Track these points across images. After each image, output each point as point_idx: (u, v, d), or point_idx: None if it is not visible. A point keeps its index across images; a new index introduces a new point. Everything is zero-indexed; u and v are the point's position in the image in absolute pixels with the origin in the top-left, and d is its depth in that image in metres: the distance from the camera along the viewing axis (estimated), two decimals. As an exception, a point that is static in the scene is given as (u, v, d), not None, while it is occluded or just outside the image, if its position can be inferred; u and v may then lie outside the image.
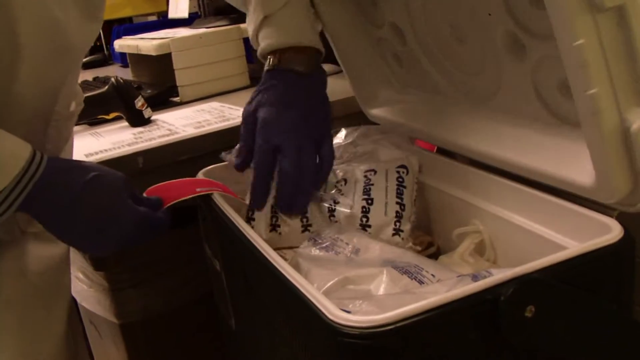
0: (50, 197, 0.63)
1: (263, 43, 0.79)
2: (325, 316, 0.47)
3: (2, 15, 0.61)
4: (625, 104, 0.51)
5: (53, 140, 0.75)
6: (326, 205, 0.77)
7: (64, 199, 0.64)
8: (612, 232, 0.55)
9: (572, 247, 0.56)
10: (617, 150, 0.52)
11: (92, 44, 0.77)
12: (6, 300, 0.74)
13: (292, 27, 0.79)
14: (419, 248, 0.77)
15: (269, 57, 0.79)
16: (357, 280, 0.62)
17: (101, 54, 2.21)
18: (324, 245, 0.69)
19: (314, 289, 0.51)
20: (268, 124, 0.74)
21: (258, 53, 0.81)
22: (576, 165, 0.59)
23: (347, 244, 0.69)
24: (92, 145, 1.06)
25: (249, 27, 0.82)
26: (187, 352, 1.13)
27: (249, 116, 0.77)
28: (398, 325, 0.45)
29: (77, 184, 0.64)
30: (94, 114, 1.19)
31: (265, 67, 0.79)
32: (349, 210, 0.76)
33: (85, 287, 1.12)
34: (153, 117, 1.19)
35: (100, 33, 0.77)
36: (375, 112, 0.92)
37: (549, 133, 0.65)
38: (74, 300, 0.94)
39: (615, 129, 0.51)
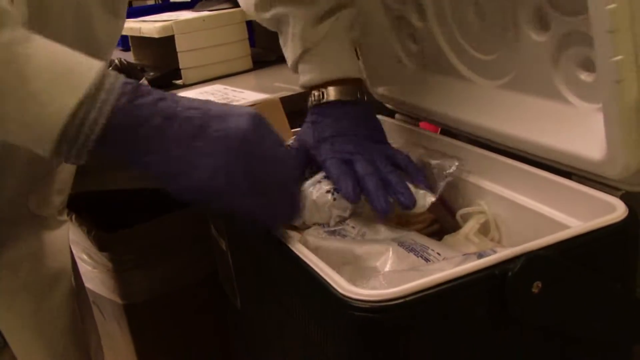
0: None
1: (305, 77, 0.78)
2: (337, 291, 0.48)
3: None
4: (646, 75, 0.52)
5: None
6: None
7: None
8: (616, 211, 0.56)
9: (577, 226, 0.57)
10: (633, 122, 0.53)
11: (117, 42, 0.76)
12: (24, 284, 0.75)
13: (333, 61, 0.77)
14: (420, 226, 0.78)
15: (312, 91, 0.78)
16: (363, 258, 0.62)
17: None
18: (332, 229, 0.70)
19: (325, 265, 0.52)
20: (334, 150, 0.73)
21: (299, 83, 0.80)
22: (586, 141, 0.60)
23: (353, 227, 0.70)
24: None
25: (286, 52, 0.81)
26: (190, 332, 1.14)
27: (307, 149, 0.75)
28: (408, 299, 0.46)
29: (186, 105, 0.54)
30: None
31: (311, 102, 0.78)
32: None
33: (89, 268, 1.13)
34: (156, 99, 1.19)
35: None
36: (382, 91, 0.92)
37: (559, 111, 0.65)
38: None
39: (634, 100, 0.52)
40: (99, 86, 0.50)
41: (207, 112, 0.54)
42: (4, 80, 0.47)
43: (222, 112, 0.54)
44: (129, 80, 0.52)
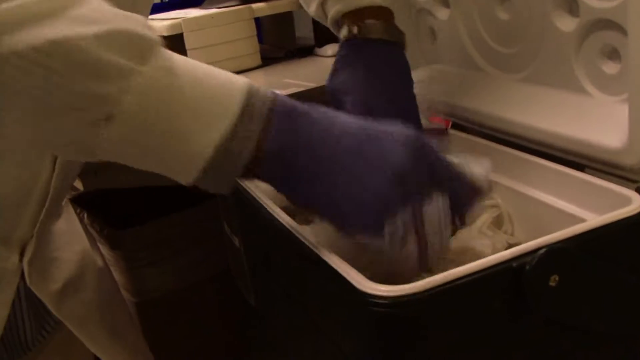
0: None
1: (334, 9, 0.76)
2: (354, 286, 0.48)
3: None
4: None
5: None
6: None
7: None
8: (632, 203, 0.56)
9: (593, 219, 0.57)
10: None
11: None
12: (63, 274, 0.75)
13: None
14: None
15: (346, 25, 0.74)
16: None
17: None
18: None
19: (341, 260, 0.52)
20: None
21: (329, 21, 0.78)
22: (605, 130, 0.60)
23: None
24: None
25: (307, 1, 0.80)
26: (203, 328, 1.15)
27: (336, 94, 0.73)
28: (426, 294, 0.46)
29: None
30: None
31: (343, 35, 0.75)
32: None
33: (101, 266, 1.14)
34: (166, 97, 1.19)
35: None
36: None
37: (579, 102, 0.65)
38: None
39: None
40: (244, 112, 0.48)
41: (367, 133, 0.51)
42: (148, 114, 0.46)
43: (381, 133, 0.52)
44: (278, 97, 0.51)
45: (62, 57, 0.43)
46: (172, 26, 1.30)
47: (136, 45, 0.46)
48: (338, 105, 0.72)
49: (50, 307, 0.70)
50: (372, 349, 0.50)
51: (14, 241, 0.66)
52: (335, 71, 0.74)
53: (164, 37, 1.34)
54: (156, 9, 1.88)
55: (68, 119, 0.45)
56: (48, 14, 0.43)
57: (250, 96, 0.49)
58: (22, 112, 0.45)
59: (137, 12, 0.66)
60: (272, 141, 0.49)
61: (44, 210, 0.66)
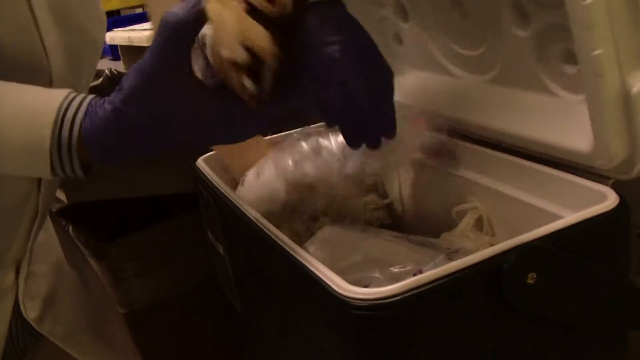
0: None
1: None
2: (334, 290, 0.49)
3: None
4: (627, 67, 0.52)
5: None
6: None
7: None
8: (607, 200, 0.57)
9: (569, 216, 0.58)
10: (617, 114, 0.53)
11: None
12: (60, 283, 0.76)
13: None
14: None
15: None
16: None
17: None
18: None
19: (321, 265, 0.52)
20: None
21: None
22: (574, 133, 0.60)
23: None
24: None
25: None
26: (192, 337, 1.15)
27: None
28: (406, 295, 0.47)
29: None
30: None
31: None
32: None
33: (88, 278, 1.14)
34: (148, 108, 1.19)
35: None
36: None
37: (547, 103, 0.66)
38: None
39: (617, 92, 0.53)
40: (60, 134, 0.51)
41: None
42: None
43: None
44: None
45: None
46: (152, 36, 1.30)
47: None
48: None
49: (33, 324, 0.70)
50: (355, 350, 0.50)
51: (9, 260, 0.67)
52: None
53: (145, 48, 1.35)
54: (138, 19, 1.88)
55: None
56: None
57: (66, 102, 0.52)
58: None
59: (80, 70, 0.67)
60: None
61: (34, 228, 0.67)
